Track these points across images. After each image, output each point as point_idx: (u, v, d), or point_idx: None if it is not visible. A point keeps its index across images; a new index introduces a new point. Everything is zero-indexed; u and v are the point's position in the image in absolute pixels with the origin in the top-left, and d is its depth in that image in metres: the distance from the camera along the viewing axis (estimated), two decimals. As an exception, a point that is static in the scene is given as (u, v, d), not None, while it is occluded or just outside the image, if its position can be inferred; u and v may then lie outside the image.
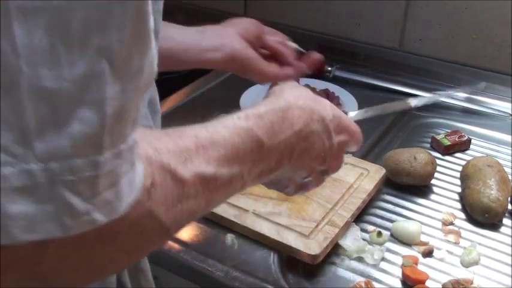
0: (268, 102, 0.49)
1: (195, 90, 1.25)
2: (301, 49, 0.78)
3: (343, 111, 0.67)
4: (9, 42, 0.24)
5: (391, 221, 0.86)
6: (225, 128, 0.42)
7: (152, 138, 0.36)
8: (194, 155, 0.38)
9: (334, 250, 0.79)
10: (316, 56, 0.79)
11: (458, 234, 0.84)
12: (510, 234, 0.84)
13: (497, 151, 1.04)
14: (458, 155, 1.03)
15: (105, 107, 0.28)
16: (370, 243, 0.81)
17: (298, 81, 0.71)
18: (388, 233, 0.83)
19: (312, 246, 0.75)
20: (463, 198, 0.89)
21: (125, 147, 0.30)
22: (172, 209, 0.36)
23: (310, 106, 0.51)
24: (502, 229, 0.85)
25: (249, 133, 0.43)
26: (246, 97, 1.22)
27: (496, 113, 1.15)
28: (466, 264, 0.78)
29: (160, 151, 0.36)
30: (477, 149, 1.04)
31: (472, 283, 0.74)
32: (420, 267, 0.77)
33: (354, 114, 0.96)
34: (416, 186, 0.92)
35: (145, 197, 0.33)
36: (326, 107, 0.54)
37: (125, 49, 0.28)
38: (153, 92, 0.46)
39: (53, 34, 0.25)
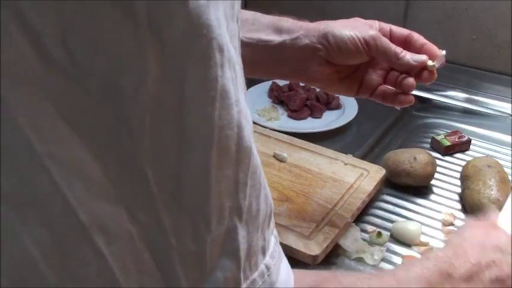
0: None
1: (195, 91, 1.25)
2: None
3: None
4: (159, 226, 0.28)
5: (391, 221, 0.86)
6: (415, 267, 0.49)
7: (364, 279, 0.44)
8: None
9: (334, 250, 0.79)
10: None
11: (458, 234, 0.84)
12: (510, 234, 0.84)
13: (497, 151, 1.04)
14: (458, 155, 1.03)
15: (239, 253, 0.32)
16: (370, 243, 0.81)
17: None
18: (388, 233, 0.83)
19: (312, 247, 0.75)
20: (463, 199, 0.89)
21: (257, 274, 0.34)
22: None
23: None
24: (502, 230, 0.85)
25: (435, 267, 0.49)
26: (246, 97, 1.22)
27: (496, 113, 1.15)
28: (466, 265, 0.78)
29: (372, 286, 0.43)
30: (477, 150, 1.04)
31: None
32: (420, 267, 0.77)
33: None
34: (416, 187, 0.92)
35: None
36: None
37: (247, 200, 0.32)
38: None
39: (195, 213, 0.29)
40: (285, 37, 0.69)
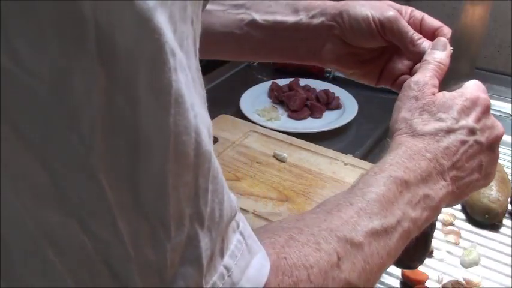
0: (391, 151, 0.51)
1: (195, 91, 1.25)
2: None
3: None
4: (116, 236, 0.27)
5: (391, 221, 0.86)
6: (370, 187, 0.46)
7: (319, 222, 0.42)
8: (357, 219, 0.43)
9: (334, 251, 0.78)
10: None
11: (458, 234, 0.84)
12: (510, 234, 0.84)
13: (497, 151, 1.04)
14: (458, 155, 1.02)
15: (202, 260, 0.31)
16: (370, 243, 0.81)
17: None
18: (388, 233, 0.83)
19: (312, 247, 0.75)
20: (463, 199, 0.89)
21: (216, 277, 0.33)
22: (363, 271, 0.41)
23: (428, 131, 0.51)
24: (502, 229, 0.85)
25: (390, 179, 0.46)
26: (246, 97, 1.22)
27: (496, 113, 1.15)
28: (466, 265, 0.78)
29: (332, 229, 0.41)
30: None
31: (472, 284, 0.74)
32: (420, 267, 0.77)
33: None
34: (416, 187, 0.92)
35: (337, 271, 0.39)
36: (448, 115, 0.52)
37: (209, 206, 0.31)
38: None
39: (154, 221, 0.28)
40: (301, 16, 0.65)
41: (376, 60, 0.66)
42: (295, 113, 1.17)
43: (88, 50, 0.24)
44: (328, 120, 1.16)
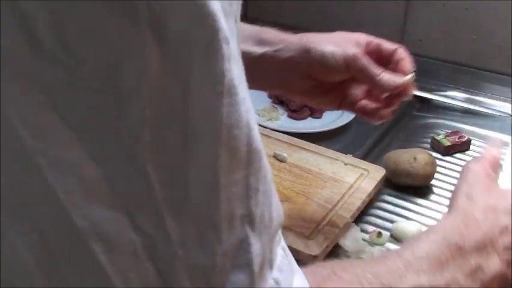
0: (448, 214, 0.52)
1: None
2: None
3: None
4: (164, 234, 0.26)
5: (391, 221, 0.86)
6: (421, 243, 0.46)
7: (364, 264, 0.43)
8: (405, 271, 0.42)
9: (334, 251, 0.78)
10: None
11: (458, 234, 0.83)
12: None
13: (497, 152, 1.04)
14: (458, 155, 1.03)
15: (253, 266, 0.30)
16: (370, 243, 0.81)
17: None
18: (388, 233, 0.83)
19: (311, 247, 0.75)
20: (463, 199, 0.89)
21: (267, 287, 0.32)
22: None
23: (485, 205, 0.51)
24: (502, 230, 0.85)
25: (444, 242, 0.46)
26: (246, 97, 1.22)
27: (496, 113, 1.15)
28: (466, 265, 0.78)
29: (377, 274, 0.41)
30: (477, 150, 1.04)
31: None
32: (420, 267, 0.77)
33: None
34: (416, 187, 0.92)
35: None
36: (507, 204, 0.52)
37: (259, 208, 0.30)
38: None
39: (203, 220, 0.27)
40: (266, 49, 0.68)
41: (337, 89, 0.71)
42: (295, 113, 1.17)
43: (140, 36, 0.23)
44: (328, 120, 1.16)
